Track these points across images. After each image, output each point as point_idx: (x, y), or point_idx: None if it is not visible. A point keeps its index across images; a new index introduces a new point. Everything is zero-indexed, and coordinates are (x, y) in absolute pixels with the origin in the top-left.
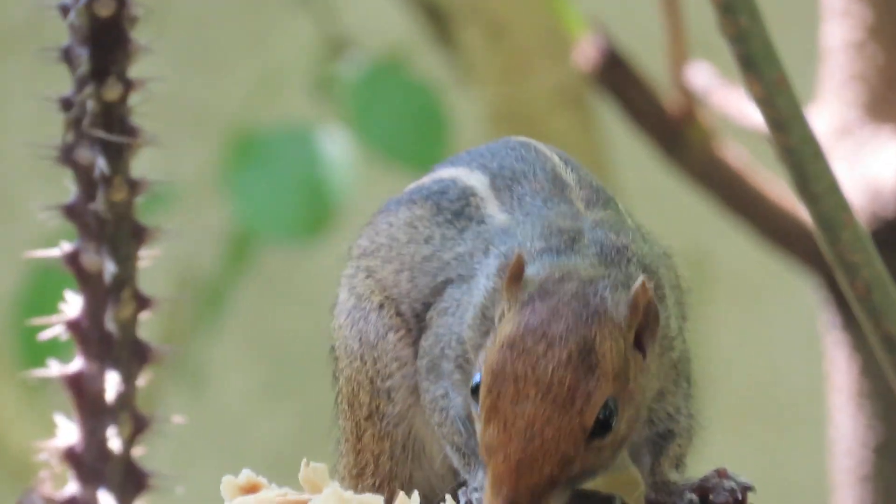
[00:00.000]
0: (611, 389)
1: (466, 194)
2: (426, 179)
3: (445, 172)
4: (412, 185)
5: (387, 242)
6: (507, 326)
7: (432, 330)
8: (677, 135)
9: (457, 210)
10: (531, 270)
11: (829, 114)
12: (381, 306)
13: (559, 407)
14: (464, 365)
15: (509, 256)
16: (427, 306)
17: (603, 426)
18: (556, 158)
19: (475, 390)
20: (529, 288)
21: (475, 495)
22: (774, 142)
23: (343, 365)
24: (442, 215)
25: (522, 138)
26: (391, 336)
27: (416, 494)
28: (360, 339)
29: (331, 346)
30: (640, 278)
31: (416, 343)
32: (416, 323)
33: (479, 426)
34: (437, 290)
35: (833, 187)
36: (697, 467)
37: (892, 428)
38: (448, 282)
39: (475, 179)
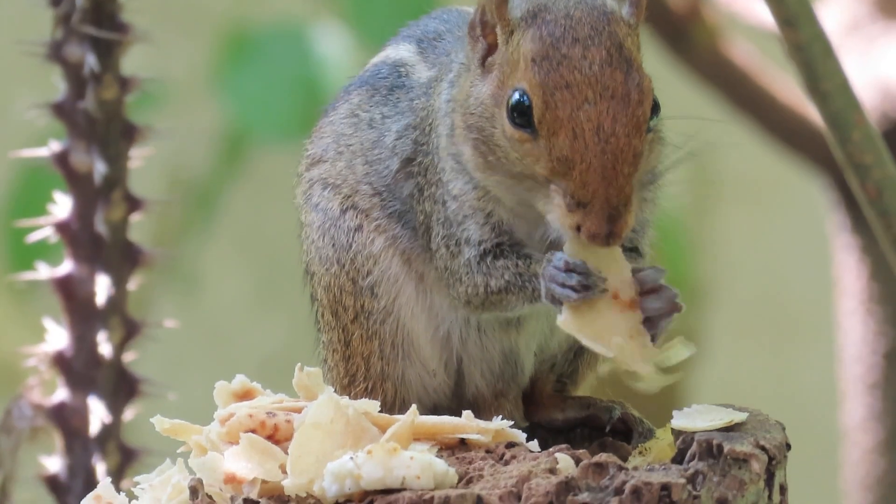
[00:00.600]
0: (647, 78)
1: (396, 67)
2: (360, 72)
3: (376, 57)
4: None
5: (333, 140)
6: (526, 45)
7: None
8: (683, 33)
9: (390, 84)
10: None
11: (838, 9)
12: (343, 211)
13: (622, 102)
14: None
15: (451, 64)
16: (386, 186)
17: (654, 111)
18: None
19: (516, 108)
20: (517, 13)
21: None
22: (784, 39)
23: (320, 275)
24: (378, 94)
25: (448, 7)
26: (359, 237)
27: (413, 408)
28: (333, 244)
29: (304, 268)
30: None
31: (385, 231)
32: (379, 204)
33: (533, 148)
34: (397, 177)
35: (844, 86)
36: (706, 374)
37: None
38: (407, 161)
39: (403, 50)
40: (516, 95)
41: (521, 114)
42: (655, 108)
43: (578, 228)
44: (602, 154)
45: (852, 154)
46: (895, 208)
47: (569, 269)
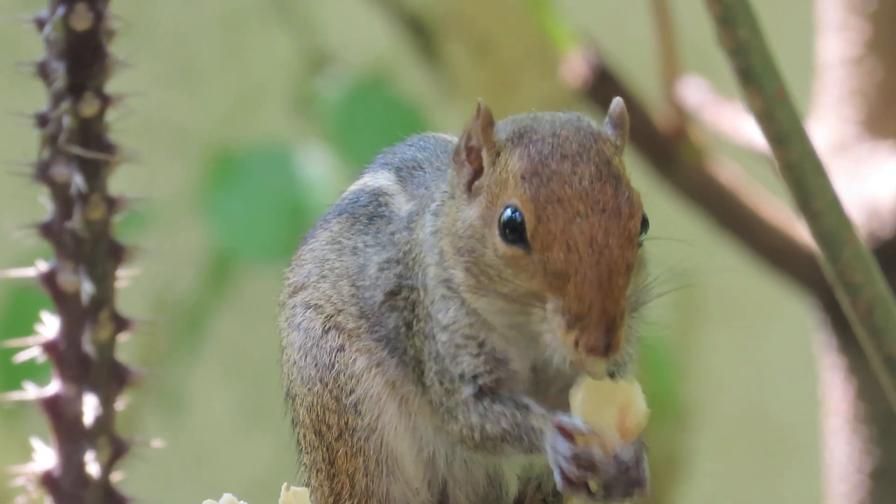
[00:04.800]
0: (636, 192)
1: (376, 195)
2: (337, 200)
3: (353, 185)
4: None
5: (316, 266)
6: (514, 163)
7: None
8: (669, 153)
9: (370, 213)
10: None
11: (825, 130)
12: (326, 331)
13: (613, 215)
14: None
15: (432, 195)
16: (373, 313)
17: (644, 225)
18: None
19: (508, 224)
20: (502, 136)
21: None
22: (775, 157)
23: (302, 396)
24: (359, 223)
25: (422, 133)
26: (341, 356)
27: None
28: (316, 364)
29: (285, 392)
30: (618, 98)
31: (369, 353)
32: (366, 326)
33: (527, 264)
34: (382, 308)
35: (834, 204)
36: (689, 494)
37: (888, 452)
38: (391, 294)
39: (381, 178)
40: (508, 212)
41: (513, 230)
42: (645, 222)
43: (576, 343)
44: (597, 266)
45: (843, 272)
46: (886, 326)
47: (579, 464)
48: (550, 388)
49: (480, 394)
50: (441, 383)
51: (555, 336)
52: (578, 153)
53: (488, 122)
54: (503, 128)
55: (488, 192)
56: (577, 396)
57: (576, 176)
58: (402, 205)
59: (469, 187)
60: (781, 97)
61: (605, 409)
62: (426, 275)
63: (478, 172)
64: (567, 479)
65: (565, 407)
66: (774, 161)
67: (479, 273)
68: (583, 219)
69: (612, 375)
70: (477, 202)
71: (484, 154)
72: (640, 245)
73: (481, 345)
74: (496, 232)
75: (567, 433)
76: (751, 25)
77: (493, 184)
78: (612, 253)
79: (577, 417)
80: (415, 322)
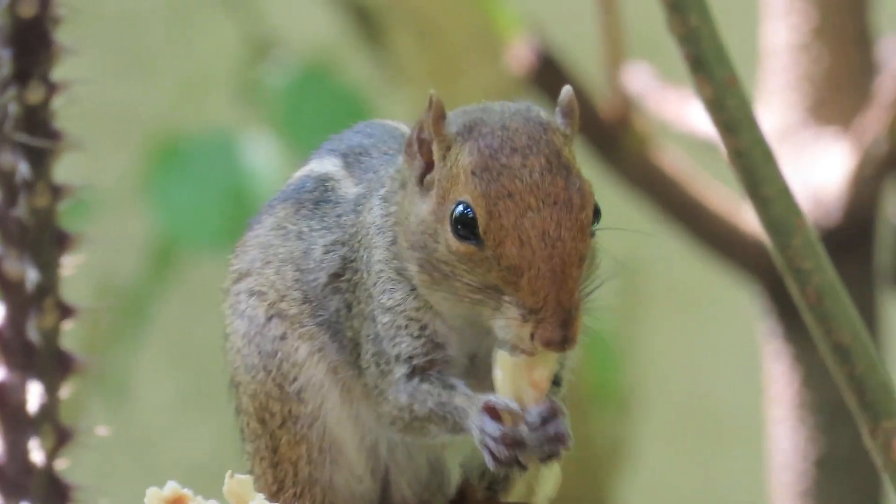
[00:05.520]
0: (587, 183)
1: (322, 181)
2: (283, 187)
3: (299, 172)
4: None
5: (260, 252)
6: (465, 158)
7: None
8: (613, 141)
9: (316, 198)
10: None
11: (771, 116)
12: (269, 319)
13: (564, 207)
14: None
15: (381, 180)
16: (315, 296)
17: (596, 215)
18: (403, 128)
19: (459, 220)
20: (452, 129)
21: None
22: (724, 145)
23: (246, 384)
24: (304, 208)
25: (368, 120)
26: (284, 345)
27: None
28: (259, 352)
29: (229, 380)
30: (567, 87)
31: (311, 339)
32: (308, 310)
33: (480, 260)
34: (325, 291)
35: (784, 191)
36: (633, 480)
37: (834, 441)
38: (334, 276)
39: (328, 164)
40: (459, 208)
41: (464, 226)
42: (597, 212)
43: (532, 337)
44: (549, 259)
45: (793, 259)
46: (835, 313)
47: (507, 443)
48: (489, 376)
49: (412, 374)
50: (377, 365)
51: (510, 329)
52: (528, 145)
53: (440, 116)
54: (454, 120)
55: (440, 187)
56: (498, 373)
57: (526, 169)
58: (349, 188)
59: (421, 181)
60: (732, 85)
61: (522, 380)
62: (371, 257)
63: (429, 165)
64: (496, 458)
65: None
66: (724, 148)
67: (433, 269)
68: (534, 212)
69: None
70: (429, 197)
71: (435, 148)
72: (592, 235)
73: (423, 328)
74: (448, 228)
75: (495, 413)
76: (701, 12)
77: (445, 178)
78: (564, 245)
79: (504, 396)
80: (355, 304)
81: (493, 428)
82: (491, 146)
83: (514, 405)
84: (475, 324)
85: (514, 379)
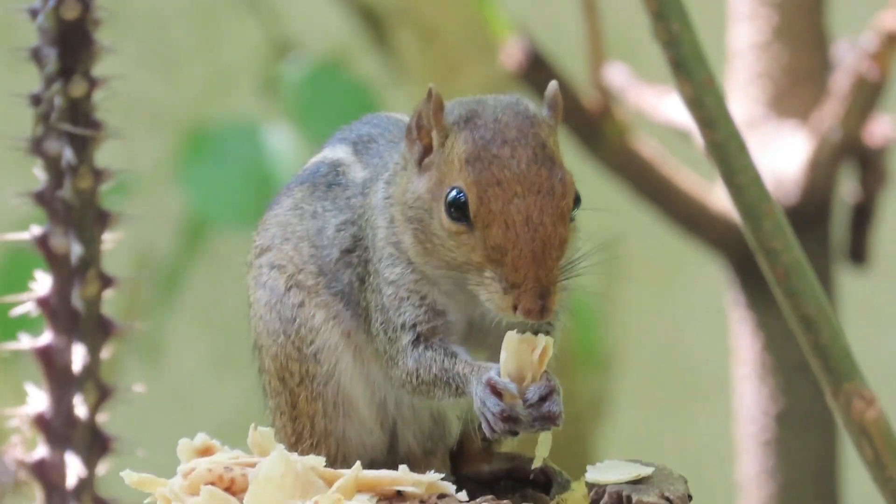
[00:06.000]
0: (569, 173)
1: (335, 166)
2: (299, 171)
3: (314, 158)
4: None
5: (279, 230)
6: (460, 147)
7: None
8: (595, 130)
9: (329, 182)
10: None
11: (736, 109)
12: (288, 289)
13: (547, 196)
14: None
15: (386, 165)
16: (329, 269)
17: (576, 202)
18: (407, 119)
19: (453, 203)
20: (450, 119)
21: (488, 375)
22: (703, 137)
23: (268, 346)
24: (318, 190)
25: (375, 112)
26: (302, 312)
27: (358, 463)
28: (280, 318)
29: (253, 343)
30: (553, 82)
31: (326, 307)
32: (324, 282)
33: (469, 238)
34: (337, 265)
35: (756, 179)
36: (615, 433)
37: (792, 398)
38: (346, 252)
39: (339, 151)
40: (453, 193)
41: (457, 209)
42: (577, 200)
43: (514, 308)
44: (531, 241)
45: (763, 240)
46: (801, 289)
47: (503, 418)
48: (487, 339)
49: (416, 341)
50: (385, 332)
51: (492, 299)
52: (517, 138)
53: (439, 107)
54: (451, 110)
55: (437, 170)
56: (504, 351)
57: (514, 160)
58: (357, 173)
59: (420, 162)
60: (709, 84)
61: (525, 359)
62: (375, 236)
63: (428, 149)
64: (493, 430)
65: (498, 356)
66: (702, 141)
67: (425, 240)
68: (520, 199)
69: (547, 333)
70: (427, 177)
71: (434, 134)
72: (572, 220)
73: (423, 298)
74: (442, 208)
75: (497, 392)
76: (682, 20)
77: (442, 163)
78: (546, 229)
79: (506, 378)
80: (366, 277)
81: (493, 403)
82: (484, 137)
83: (512, 387)
84: (467, 291)
85: (518, 356)
